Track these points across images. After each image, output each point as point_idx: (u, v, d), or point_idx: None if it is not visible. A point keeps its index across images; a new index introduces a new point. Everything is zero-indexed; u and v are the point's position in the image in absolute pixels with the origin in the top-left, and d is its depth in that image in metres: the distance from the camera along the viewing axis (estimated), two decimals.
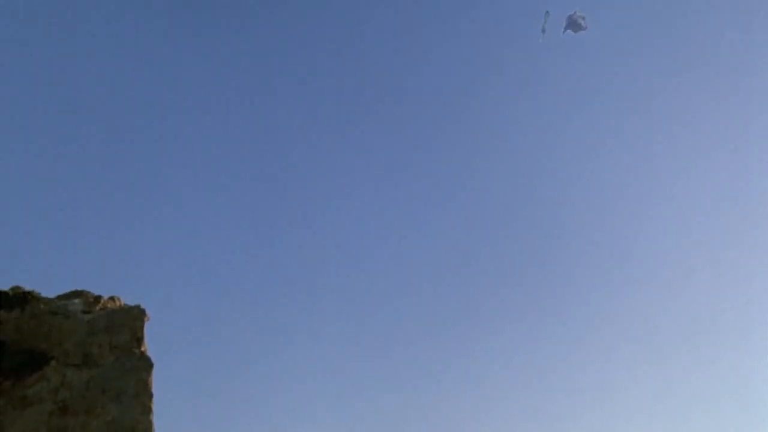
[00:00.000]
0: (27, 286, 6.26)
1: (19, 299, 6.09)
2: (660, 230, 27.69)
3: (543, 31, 16.81)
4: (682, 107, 27.09)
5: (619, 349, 26.01)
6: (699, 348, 26.16)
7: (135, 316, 6.05)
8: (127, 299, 6.41)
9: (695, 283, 27.42)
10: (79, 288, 6.41)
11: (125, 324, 5.98)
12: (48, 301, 6.19)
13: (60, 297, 6.31)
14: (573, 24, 17.36)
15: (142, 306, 6.18)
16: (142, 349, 5.92)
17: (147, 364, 5.83)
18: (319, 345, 23.56)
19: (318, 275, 25.59)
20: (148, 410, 5.63)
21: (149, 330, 6.10)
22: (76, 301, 6.19)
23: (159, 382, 5.83)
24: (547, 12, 17.23)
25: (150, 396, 5.71)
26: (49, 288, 6.30)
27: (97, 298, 6.28)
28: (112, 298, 6.35)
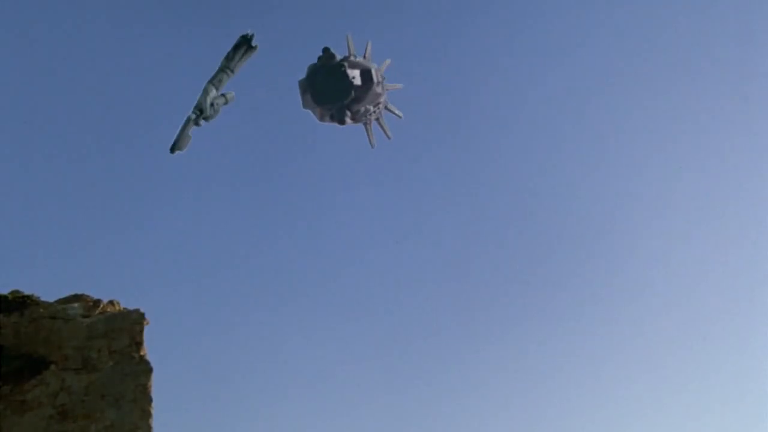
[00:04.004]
0: (26, 290, 6.27)
1: (18, 303, 6.09)
2: (662, 232, 27.71)
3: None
4: (683, 108, 27.12)
5: (620, 352, 26.02)
6: (701, 350, 26.18)
7: (134, 321, 6.06)
8: (127, 303, 6.42)
9: (698, 284, 27.44)
10: (79, 292, 6.41)
11: (124, 328, 5.99)
12: (47, 305, 6.19)
13: (59, 301, 6.32)
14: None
15: (142, 310, 6.18)
16: (142, 353, 5.92)
17: (146, 369, 5.83)
18: (320, 349, 23.57)
19: (317, 278, 25.61)
20: (147, 415, 5.63)
21: (149, 334, 6.11)
22: (76, 305, 6.20)
23: (158, 387, 5.83)
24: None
25: (149, 401, 5.71)
26: (48, 292, 6.31)
27: (97, 302, 6.28)
28: (111, 302, 6.35)
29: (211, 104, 5.85)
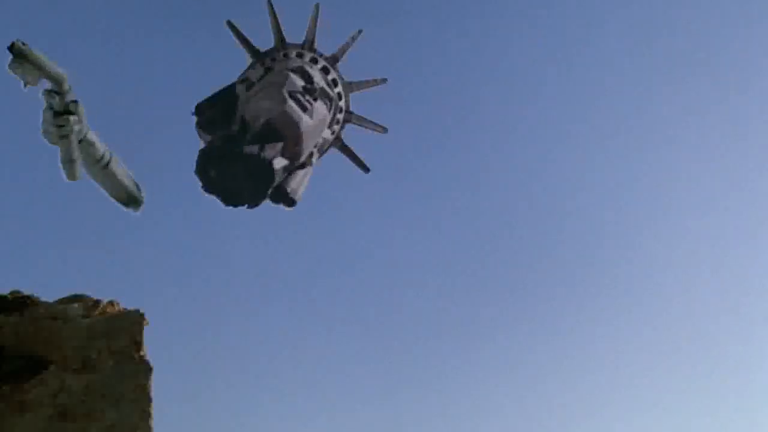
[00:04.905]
0: (26, 290, 6.26)
1: (18, 304, 6.09)
2: (661, 232, 27.72)
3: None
4: (683, 107, 27.13)
5: (621, 353, 26.04)
6: (701, 350, 26.18)
7: (134, 321, 6.05)
8: (127, 303, 6.41)
9: (698, 285, 27.44)
10: (79, 292, 6.40)
11: (124, 328, 5.98)
12: (47, 305, 6.19)
13: (59, 301, 6.31)
14: None
15: (142, 310, 6.17)
16: (141, 353, 5.91)
17: (146, 369, 5.83)
18: (320, 349, 23.60)
19: (317, 278, 25.63)
20: (147, 415, 5.62)
21: (149, 334, 6.10)
22: (76, 305, 6.19)
23: (158, 387, 5.83)
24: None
25: (149, 401, 5.70)
26: (48, 292, 6.30)
27: (96, 303, 6.27)
28: (111, 303, 6.34)
29: (76, 116, 4.19)
